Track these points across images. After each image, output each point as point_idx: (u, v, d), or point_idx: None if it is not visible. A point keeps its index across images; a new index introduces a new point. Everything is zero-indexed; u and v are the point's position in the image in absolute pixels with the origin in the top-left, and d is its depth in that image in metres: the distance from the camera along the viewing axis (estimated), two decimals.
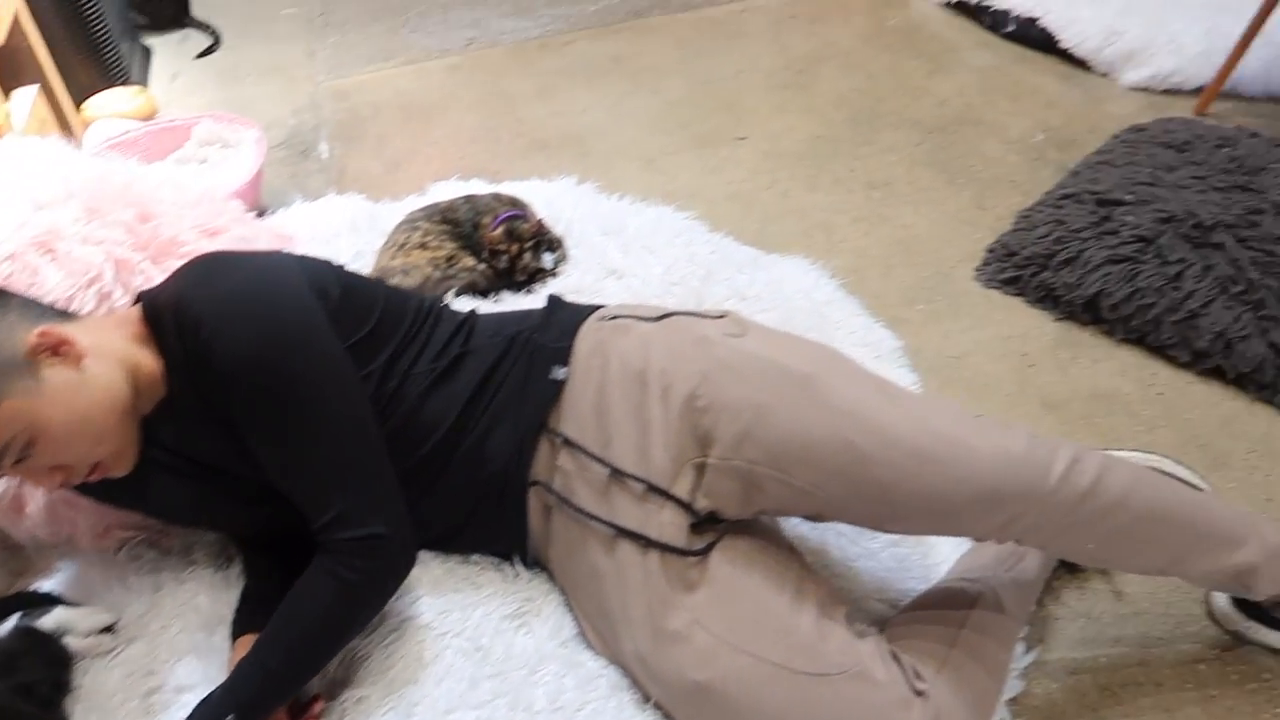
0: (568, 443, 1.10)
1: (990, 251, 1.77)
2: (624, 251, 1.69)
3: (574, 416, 1.11)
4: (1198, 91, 2.14)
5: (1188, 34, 2.17)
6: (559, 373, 1.12)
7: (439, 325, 1.17)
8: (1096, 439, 1.45)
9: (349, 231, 1.78)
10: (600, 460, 1.07)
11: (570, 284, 1.64)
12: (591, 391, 1.10)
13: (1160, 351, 1.56)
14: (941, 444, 0.98)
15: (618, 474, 1.06)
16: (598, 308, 1.19)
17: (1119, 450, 1.28)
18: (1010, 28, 2.41)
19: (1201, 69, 2.14)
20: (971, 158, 2.04)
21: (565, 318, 1.19)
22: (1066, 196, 1.74)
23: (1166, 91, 2.19)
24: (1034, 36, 2.36)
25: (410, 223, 1.70)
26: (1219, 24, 2.16)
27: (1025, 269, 1.69)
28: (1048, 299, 1.66)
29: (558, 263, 1.69)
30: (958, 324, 1.66)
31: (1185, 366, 1.54)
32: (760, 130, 2.18)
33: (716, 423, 1.04)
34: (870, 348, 1.58)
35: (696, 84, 2.35)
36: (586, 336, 1.14)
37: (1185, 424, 1.46)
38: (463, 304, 1.57)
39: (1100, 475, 0.99)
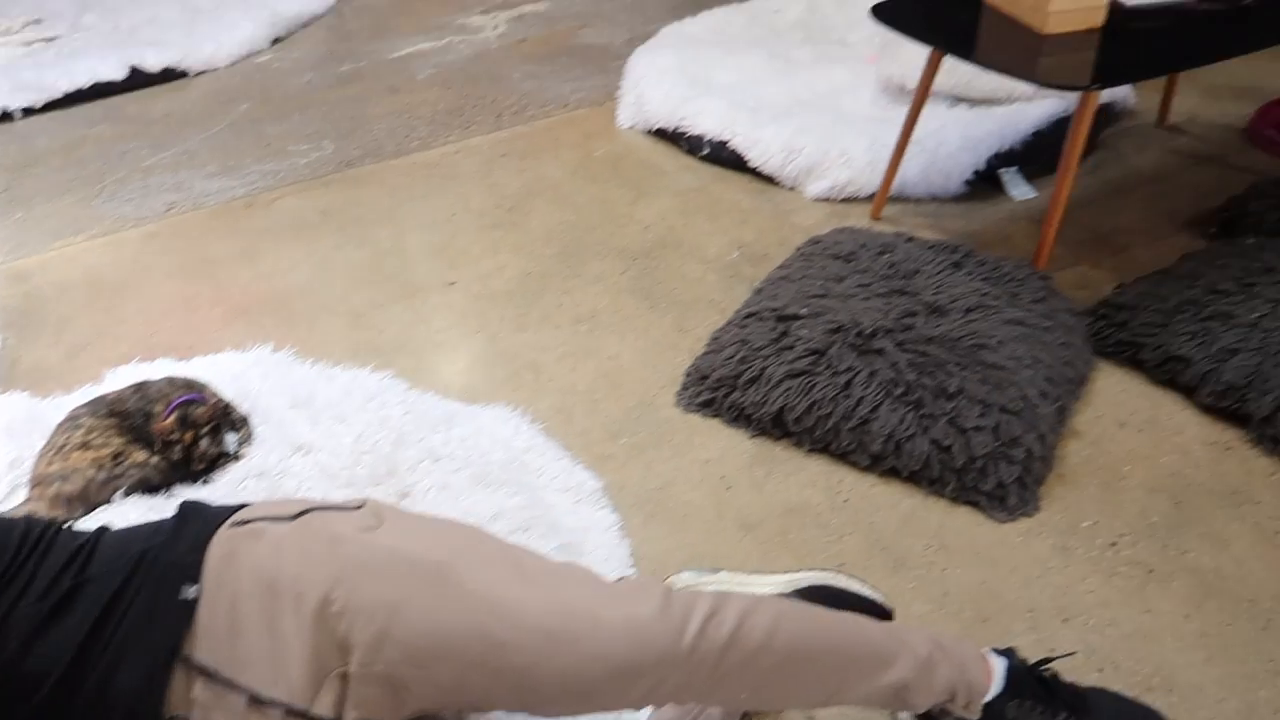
0: (202, 670, 1.01)
1: (687, 375, 1.82)
2: (313, 423, 1.62)
3: (208, 639, 1.02)
4: (872, 198, 2.32)
5: (855, 147, 2.36)
6: (189, 591, 1.03)
7: (50, 554, 1.06)
8: (791, 556, 1.48)
9: (5, 437, 1.62)
10: (236, 686, 0.99)
11: (254, 465, 1.55)
12: (224, 609, 1.02)
13: (844, 458, 1.64)
14: (572, 621, 0.96)
15: (256, 700, 0.98)
16: (236, 510, 1.12)
17: (797, 572, 1.31)
18: (705, 151, 2.55)
19: (871, 177, 2.33)
20: (674, 281, 2.12)
21: (197, 528, 1.10)
22: (750, 315, 1.83)
23: (845, 200, 2.37)
24: (727, 157, 2.51)
25: (72, 420, 1.57)
26: (880, 136, 2.36)
27: (718, 391, 1.74)
28: (740, 418, 1.72)
29: (241, 444, 1.60)
30: (660, 454, 1.68)
31: (867, 470, 1.62)
32: (471, 273, 2.18)
33: (352, 628, 0.98)
34: (571, 492, 1.57)
35: (407, 231, 2.34)
36: (218, 547, 1.06)
37: (870, 528, 1.52)
38: (125, 509, 1.45)
39: (740, 623, 0.99)
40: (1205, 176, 2.38)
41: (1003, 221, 2.27)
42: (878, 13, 2.00)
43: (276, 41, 3.49)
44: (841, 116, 2.52)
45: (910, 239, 1.98)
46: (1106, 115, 2.59)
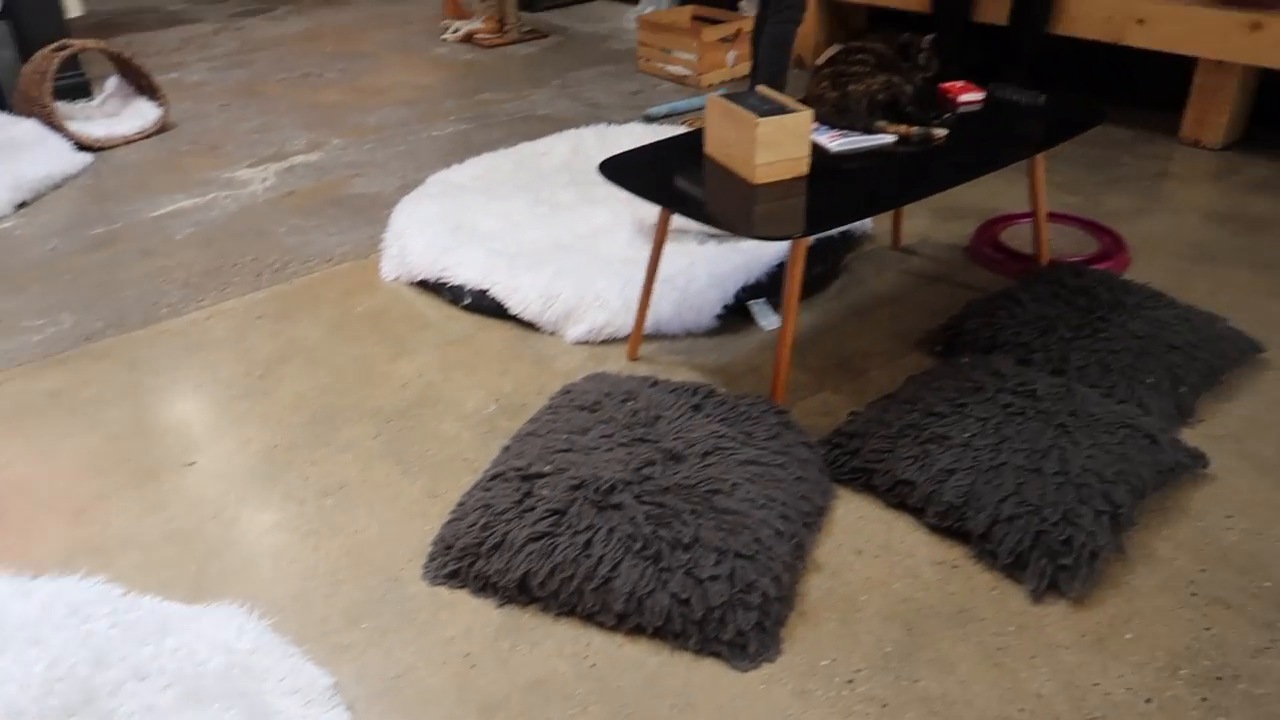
0: None
1: (434, 546, 1.76)
2: (1, 651, 1.46)
3: None
4: (629, 338, 2.37)
5: (610, 289, 2.41)
6: None
7: None
8: None
9: None
10: None
11: None
12: None
13: (591, 619, 1.61)
14: None
15: None
16: None
17: None
18: (468, 300, 2.55)
19: (627, 318, 2.38)
20: (428, 441, 2.07)
21: None
22: (496, 476, 1.80)
23: (605, 341, 2.41)
24: (488, 306, 2.52)
25: None
26: (634, 277, 2.43)
27: (463, 560, 1.69)
28: (487, 587, 1.67)
29: None
30: (402, 636, 1.60)
31: (613, 630, 1.59)
32: (213, 451, 2.07)
33: None
34: (300, 693, 1.46)
35: (146, 409, 2.21)
36: None
37: (615, 693, 1.49)
38: None
39: None
40: (935, 295, 2.56)
41: (753, 352, 2.36)
42: (605, 170, 2.07)
43: (21, 206, 3.30)
44: (598, 259, 2.58)
45: (655, 383, 2.01)
46: (847, 241, 2.77)
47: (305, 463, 2.02)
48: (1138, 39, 3.40)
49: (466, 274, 2.57)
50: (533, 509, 1.69)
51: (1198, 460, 1.86)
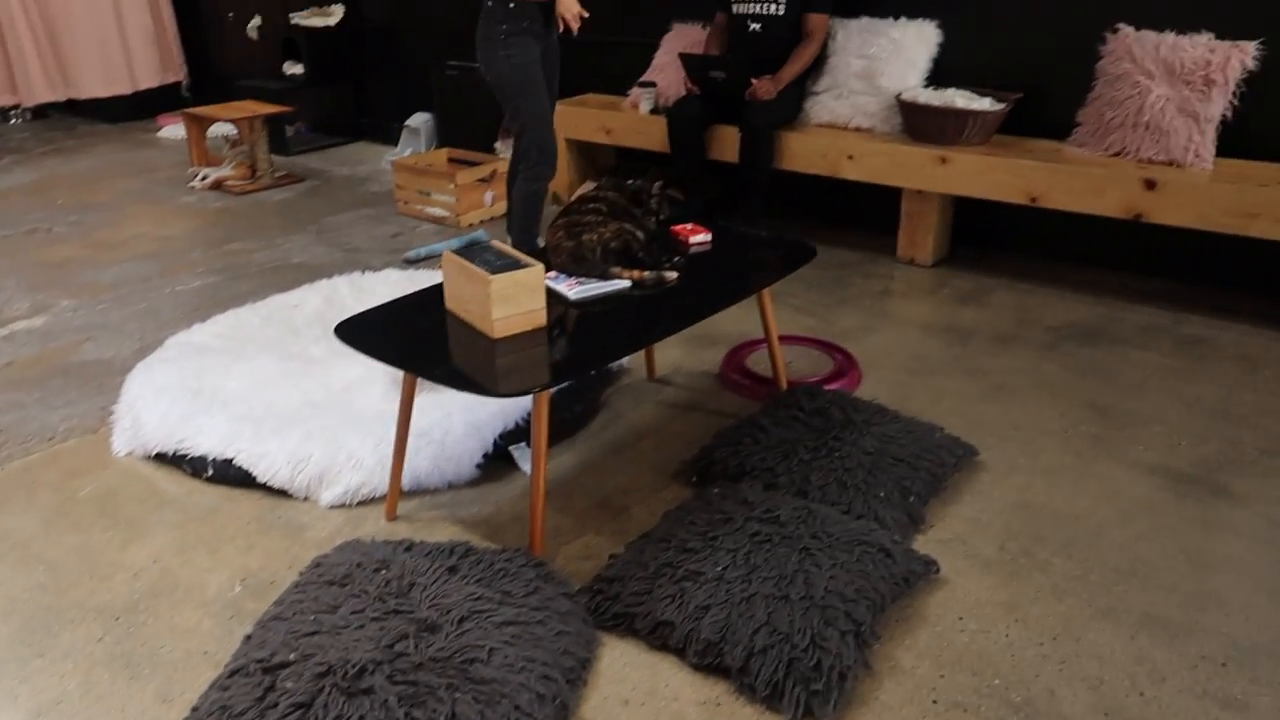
0: None
1: None
2: None
3: None
4: (386, 498, 2.30)
5: (363, 449, 2.34)
6: None
7: None
8: None
9: None
10: None
11: None
12: None
13: None
14: None
15: None
16: None
17: None
18: (210, 472, 2.40)
19: (383, 477, 2.31)
20: (162, 637, 1.90)
21: None
22: (235, 672, 1.66)
23: (362, 503, 2.32)
24: (234, 476, 2.38)
25: None
26: (387, 434, 2.37)
27: None
28: None
29: None
30: None
31: None
32: None
33: None
34: None
35: None
36: None
37: None
38: None
39: None
40: (690, 425, 2.66)
41: (517, 499, 2.34)
42: (341, 334, 2.04)
43: None
44: (352, 415, 2.51)
45: (410, 546, 1.95)
46: (605, 377, 2.84)
47: (14, 679, 1.79)
48: (850, 172, 3.77)
49: (208, 443, 2.42)
50: (275, 705, 1.57)
51: (929, 567, 1.99)
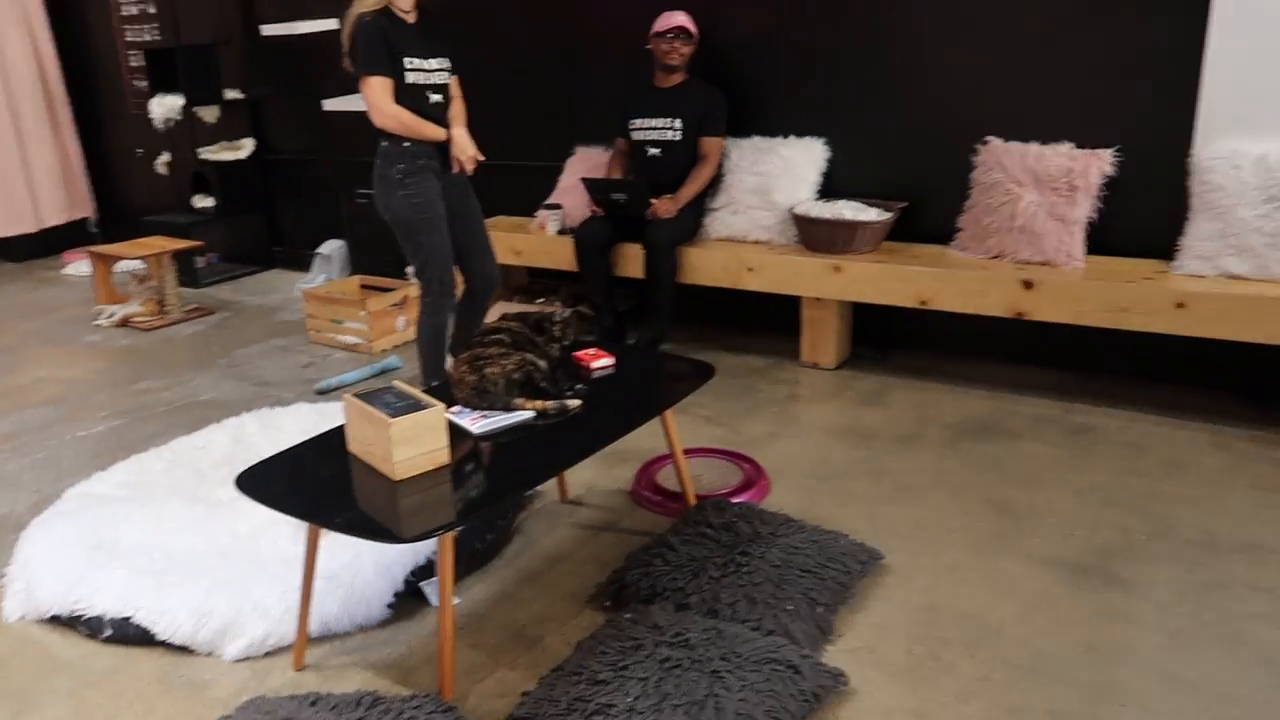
0: None
1: None
2: None
3: None
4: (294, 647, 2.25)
5: (269, 597, 2.30)
6: None
7: None
8: None
9: None
10: None
11: None
12: None
13: None
14: None
15: None
16: None
17: None
18: (108, 633, 2.32)
19: (291, 625, 2.26)
20: None
21: None
22: None
23: (269, 654, 2.26)
24: (133, 635, 2.30)
25: None
26: (295, 580, 2.33)
27: None
28: None
29: None
30: None
31: None
32: None
33: None
34: None
35: None
36: None
37: None
38: None
39: None
40: (603, 546, 2.67)
41: (429, 638, 2.31)
42: (242, 485, 2.03)
43: None
44: (259, 562, 2.46)
45: (316, 701, 1.91)
46: (518, 502, 2.85)
47: None
48: (751, 283, 3.91)
49: (106, 602, 2.35)
50: None
51: (838, 679, 2.02)
